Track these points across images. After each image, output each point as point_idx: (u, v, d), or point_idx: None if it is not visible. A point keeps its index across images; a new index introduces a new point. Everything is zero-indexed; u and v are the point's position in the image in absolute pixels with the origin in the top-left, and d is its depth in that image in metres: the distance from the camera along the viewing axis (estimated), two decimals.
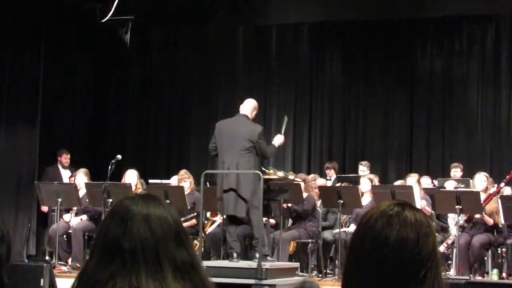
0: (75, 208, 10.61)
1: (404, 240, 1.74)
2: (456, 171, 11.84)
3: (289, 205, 10.12)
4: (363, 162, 12.43)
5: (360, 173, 11.99)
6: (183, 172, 10.78)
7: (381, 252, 1.73)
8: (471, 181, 9.98)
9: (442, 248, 9.32)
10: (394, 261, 1.72)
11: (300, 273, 9.60)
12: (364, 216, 1.82)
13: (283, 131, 9.27)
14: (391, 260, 1.73)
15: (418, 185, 9.82)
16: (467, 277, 8.77)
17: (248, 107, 8.80)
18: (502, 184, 9.51)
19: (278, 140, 9.00)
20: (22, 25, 12.16)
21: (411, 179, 9.84)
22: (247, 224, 9.14)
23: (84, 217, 10.47)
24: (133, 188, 10.05)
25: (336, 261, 10.04)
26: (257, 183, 8.32)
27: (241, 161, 8.45)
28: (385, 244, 1.74)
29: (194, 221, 10.26)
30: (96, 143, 14.63)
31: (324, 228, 10.38)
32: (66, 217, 10.61)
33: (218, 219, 10.58)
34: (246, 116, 8.72)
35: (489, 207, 9.23)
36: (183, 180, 10.54)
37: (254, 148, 8.52)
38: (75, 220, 10.48)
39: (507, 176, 9.61)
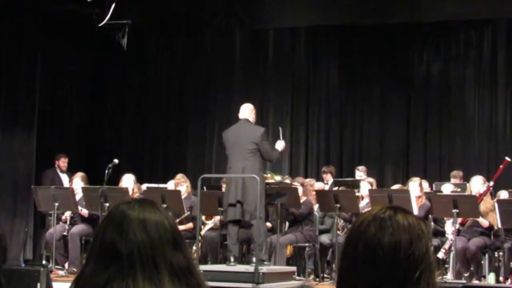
0: (67, 216, 10.54)
1: (397, 243, 1.75)
2: (456, 181, 11.79)
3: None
4: (360, 167, 12.47)
5: (357, 177, 12.01)
6: (179, 176, 10.79)
7: (374, 256, 1.74)
8: (468, 185, 9.99)
9: (440, 254, 9.32)
10: (388, 264, 1.73)
11: (297, 277, 9.61)
12: (357, 220, 1.83)
13: (281, 137, 9.44)
14: (385, 264, 1.73)
15: (420, 189, 9.81)
16: (464, 281, 8.77)
17: (246, 111, 8.98)
18: (492, 183, 9.52)
19: (279, 145, 9.19)
20: (19, 30, 12.15)
21: (413, 184, 9.81)
22: (246, 228, 9.17)
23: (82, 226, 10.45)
24: (130, 192, 10.05)
25: (333, 265, 10.05)
26: (258, 187, 8.40)
27: (247, 164, 8.57)
28: (379, 247, 1.74)
29: (190, 224, 10.25)
30: (93, 148, 14.63)
31: (321, 232, 10.38)
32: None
33: (211, 223, 10.61)
34: (248, 120, 8.89)
35: (483, 207, 9.22)
36: (179, 184, 10.55)
37: (258, 151, 8.64)
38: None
39: (495, 174, 9.64)
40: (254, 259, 8.32)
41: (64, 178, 12.36)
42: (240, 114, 9.00)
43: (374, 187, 10.68)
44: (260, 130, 8.85)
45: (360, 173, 12.30)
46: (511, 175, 10.88)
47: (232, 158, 8.76)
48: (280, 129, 9.62)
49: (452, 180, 11.80)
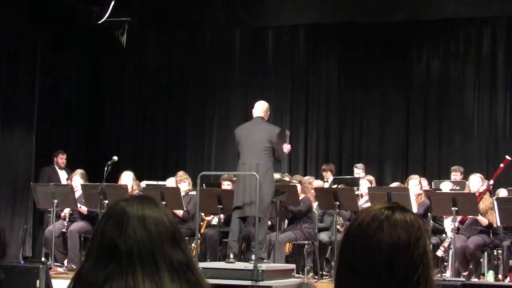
0: (66, 213, 10.56)
1: (396, 244, 1.73)
2: (456, 175, 11.82)
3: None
4: (358, 165, 12.52)
5: (356, 175, 12.03)
6: (181, 173, 10.78)
7: (373, 257, 1.73)
8: (467, 183, 9.99)
9: (439, 253, 9.32)
10: (387, 265, 1.72)
11: (296, 275, 9.61)
12: (355, 220, 1.81)
13: (287, 140, 9.52)
14: (384, 264, 1.72)
15: (419, 187, 9.82)
16: (463, 279, 8.78)
17: (261, 109, 9.03)
18: (491, 182, 9.51)
19: (286, 148, 9.19)
20: (18, 27, 12.15)
21: (413, 182, 9.83)
22: (248, 225, 9.20)
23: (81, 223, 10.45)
24: (129, 190, 10.05)
25: (332, 263, 10.05)
26: (270, 186, 8.45)
27: (261, 162, 8.62)
28: (377, 248, 1.73)
29: (181, 212, 10.06)
30: (93, 145, 14.62)
31: (320, 230, 10.38)
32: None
33: (213, 218, 10.61)
34: (262, 118, 8.96)
35: (482, 205, 9.22)
36: (181, 181, 10.53)
37: (272, 149, 8.68)
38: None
39: (496, 172, 9.64)
40: (253, 257, 8.33)
41: (62, 174, 12.36)
42: (255, 111, 9.03)
43: (374, 185, 10.68)
44: (276, 130, 8.94)
45: (358, 170, 12.34)
46: (510, 174, 10.88)
47: (246, 154, 8.77)
48: (288, 132, 9.71)
49: (453, 174, 11.81)
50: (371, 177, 10.99)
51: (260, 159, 8.64)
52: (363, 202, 10.07)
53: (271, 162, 8.77)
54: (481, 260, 9.37)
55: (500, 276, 9.38)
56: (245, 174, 8.73)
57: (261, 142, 8.70)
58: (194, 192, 9.90)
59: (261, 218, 8.61)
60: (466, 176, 11.54)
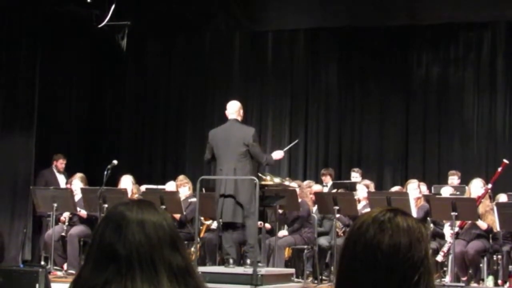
0: (66, 216, 10.55)
1: (396, 246, 1.74)
2: (453, 179, 11.83)
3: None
4: (355, 169, 12.55)
5: (353, 179, 12.05)
6: (182, 177, 10.77)
7: (373, 258, 1.74)
8: (466, 187, 9.98)
9: (439, 258, 9.31)
10: (387, 267, 1.73)
11: (296, 279, 9.60)
12: (356, 222, 1.82)
13: (286, 149, 9.39)
14: (384, 266, 1.73)
15: (418, 191, 9.83)
16: (463, 284, 8.78)
17: (234, 109, 8.84)
18: (490, 185, 9.51)
19: (277, 155, 9.13)
20: (18, 30, 12.15)
21: (412, 185, 9.83)
22: (242, 230, 9.16)
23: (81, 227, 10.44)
24: (129, 194, 10.04)
25: (332, 267, 10.05)
26: (253, 190, 8.35)
27: (238, 166, 8.51)
28: (378, 250, 1.74)
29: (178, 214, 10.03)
30: (92, 149, 14.62)
31: (319, 234, 10.38)
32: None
33: (212, 222, 10.59)
34: (237, 120, 8.78)
35: (480, 208, 9.21)
36: (182, 185, 10.52)
37: (249, 152, 8.56)
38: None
39: (494, 176, 9.64)
40: (248, 261, 8.34)
41: (61, 178, 12.35)
42: (229, 113, 8.83)
43: (372, 189, 10.68)
44: (250, 131, 8.74)
45: (355, 174, 12.37)
46: (510, 179, 10.88)
47: (223, 160, 8.63)
48: (296, 141, 9.64)
49: (450, 178, 11.82)
50: (368, 182, 10.97)
51: (237, 164, 8.52)
52: (361, 207, 10.06)
53: (249, 166, 8.59)
54: (481, 265, 9.36)
55: (499, 281, 9.37)
56: (221, 180, 8.61)
57: (237, 146, 8.55)
58: (194, 199, 9.88)
59: (246, 223, 8.56)
60: (463, 180, 11.55)
